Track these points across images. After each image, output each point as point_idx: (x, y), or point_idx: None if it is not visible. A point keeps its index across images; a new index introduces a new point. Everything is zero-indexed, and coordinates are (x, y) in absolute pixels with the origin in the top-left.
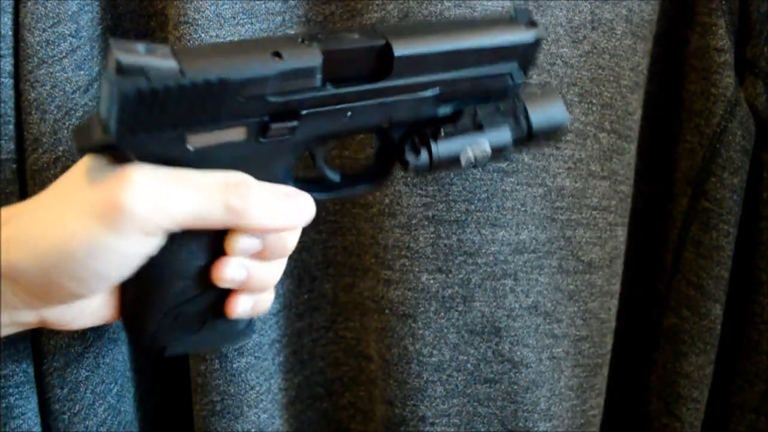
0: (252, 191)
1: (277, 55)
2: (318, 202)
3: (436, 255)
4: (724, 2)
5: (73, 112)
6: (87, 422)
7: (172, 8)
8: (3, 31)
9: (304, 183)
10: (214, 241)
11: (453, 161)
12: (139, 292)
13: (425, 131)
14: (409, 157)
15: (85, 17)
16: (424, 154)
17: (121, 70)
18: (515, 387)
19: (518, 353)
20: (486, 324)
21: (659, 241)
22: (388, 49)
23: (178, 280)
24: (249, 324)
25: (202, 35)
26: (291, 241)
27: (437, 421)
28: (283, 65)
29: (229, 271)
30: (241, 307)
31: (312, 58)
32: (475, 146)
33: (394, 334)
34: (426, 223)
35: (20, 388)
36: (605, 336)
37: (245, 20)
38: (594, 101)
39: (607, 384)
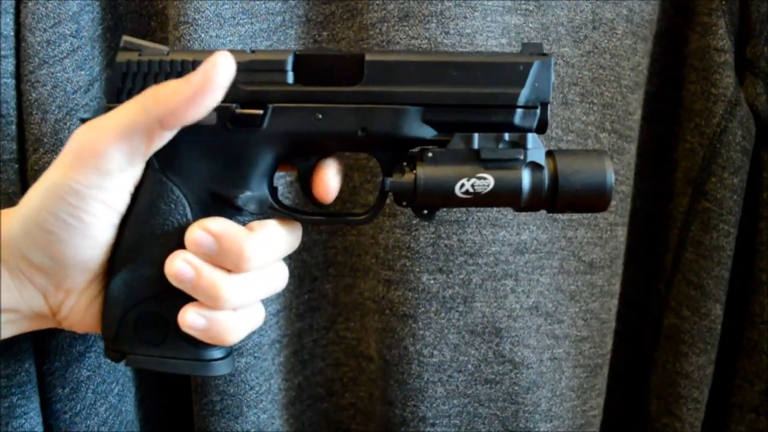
0: (160, 84)
1: (253, 51)
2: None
3: (437, 255)
4: (724, 2)
5: (74, 112)
6: (88, 422)
7: (172, 8)
8: (4, 32)
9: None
10: (174, 233)
11: (444, 189)
12: (107, 286)
13: (413, 154)
14: (393, 178)
15: (86, 17)
16: (408, 176)
17: (123, 47)
18: (516, 388)
19: (519, 354)
20: (487, 324)
21: (659, 241)
22: (360, 56)
23: (138, 271)
24: (226, 354)
25: (202, 35)
26: (249, 251)
27: (438, 421)
28: (254, 56)
29: (176, 263)
30: (189, 318)
31: (283, 55)
32: (471, 176)
33: (394, 334)
34: (425, 224)
35: (22, 388)
36: (606, 336)
37: (245, 20)
38: (595, 101)
39: (607, 384)
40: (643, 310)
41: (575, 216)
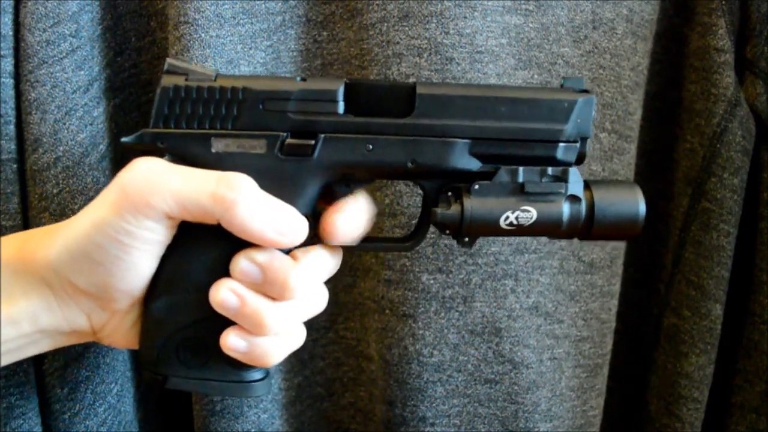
0: (244, 186)
1: (303, 79)
2: None
3: (437, 255)
4: (724, 2)
5: (73, 112)
6: (87, 422)
7: (172, 8)
8: (3, 31)
9: None
10: (220, 261)
11: (490, 221)
12: (147, 309)
13: (459, 185)
14: (440, 209)
15: (85, 17)
16: (455, 208)
17: (168, 70)
18: (516, 387)
19: (519, 354)
20: (486, 324)
21: (659, 241)
22: (412, 88)
23: (182, 296)
24: (265, 376)
25: (202, 35)
26: (294, 281)
27: (437, 421)
28: (305, 85)
29: (221, 292)
30: (231, 341)
31: (334, 84)
32: (516, 208)
33: (394, 334)
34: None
35: (21, 388)
36: (606, 336)
37: (245, 20)
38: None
39: (607, 384)
40: (643, 310)
41: None
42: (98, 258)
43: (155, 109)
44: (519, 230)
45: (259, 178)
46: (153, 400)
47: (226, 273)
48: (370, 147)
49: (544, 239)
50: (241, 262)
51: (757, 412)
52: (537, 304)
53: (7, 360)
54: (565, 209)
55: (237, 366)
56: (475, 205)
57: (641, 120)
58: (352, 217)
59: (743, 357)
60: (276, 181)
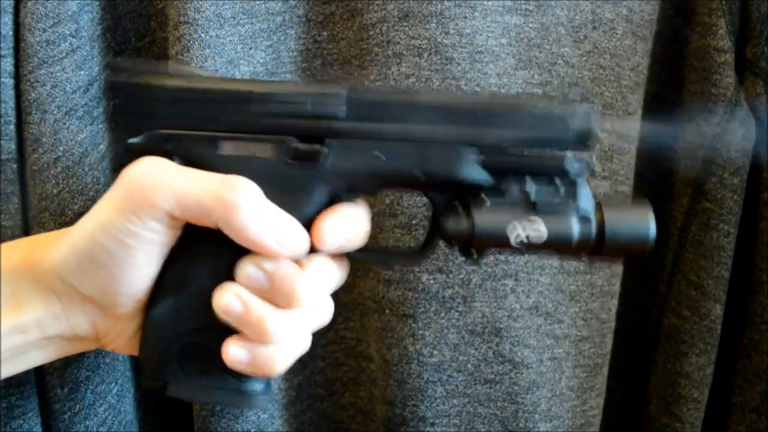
0: (247, 190)
1: (309, 84)
2: None
3: (437, 255)
4: (724, 2)
5: (73, 112)
6: (87, 422)
7: (172, 8)
8: (3, 31)
9: None
10: (224, 266)
11: (499, 236)
12: (149, 315)
13: (468, 198)
14: (449, 222)
15: (85, 17)
16: (464, 221)
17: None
18: (516, 387)
19: (519, 354)
20: (486, 324)
21: (659, 241)
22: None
23: (185, 302)
24: (265, 388)
25: (202, 35)
26: (301, 289)
27: (437, 421)
28: (309, 89)
29: (225, 297)
30: (233, 350)
31: (337, 88)
32: (526, 224)
33: (394, 334)
34: (426, 224)
35: (21, 388)
36: (605, 336)
37: (245, 20)
38: (595, 101)
39: (607, 384)
40: (643, 310)
41: None
42: (102, 261)
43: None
44: (529, 247)
45: (266, 183)
46: (153, 400)
47: (230, 279)
48: (381, 156)
49: None
50: (247, 267)
51: (757, 412)
52: (537, 304)
53: (14, 368)
54: (575, 224)
55: (238, 376)
56: (484, 218)
57: (641, 120)
58: (342, 224)
59: (743, 357)
60: (283, 187)
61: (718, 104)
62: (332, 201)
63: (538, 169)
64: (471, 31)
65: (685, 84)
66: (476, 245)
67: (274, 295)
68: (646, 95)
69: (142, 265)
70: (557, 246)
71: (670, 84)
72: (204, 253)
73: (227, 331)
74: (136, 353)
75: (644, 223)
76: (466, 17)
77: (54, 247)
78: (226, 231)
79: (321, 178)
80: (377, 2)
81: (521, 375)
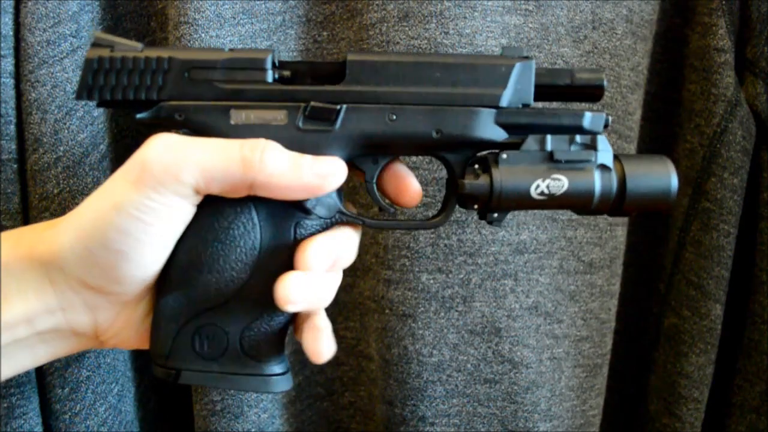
0: (269, 145)
1: (232, 49)
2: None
3: (436, 255)
4: (724, 2)
5: (73, 112)
6: (88, 422)
7: (172, 8)
8: (4, 32)
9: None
10: (239, 239)
11: (520, 191)
12: (159, 301)
13: (485, 156)
14: (467, 181)
15: (86, 17)
16: (483, 179)
17: (94, 43)
18: (515, 387)
19: (518, 353)
20: (486, 324)
21: (659, 241)
22: (344, 59)
23: (199, 281)
24: (286, 371)
25: (202, 35)
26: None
27: (437, 421)
28: (232, 54)
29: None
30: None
31: (262, 53)
32: (546, 177)
33: (394, 334)
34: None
35: (21, 388)
36: (605, 336)
37: (245, 20)
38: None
39: (607, 384)
40: (643, 310)
41: (575, 216)
42: (116, 243)
43: (80, 80)
44: (551, 200)
45: None
46: (153, 400)
47: (245, 252)
48: (394, 117)
49: (543, 239)
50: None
51: (757, 412)
52: (536, 303)
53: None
54: (597, 178)
55: (258, 357)
56: (504, 174)
57: (641, 120)
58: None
59: (743, 357)
60: (297, 151)
61: (718, 104)
62: (348, 165)
63: (557, 127)
64: (471, 31)
65: (685, 84)
66: (497, 203)
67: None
68: (646, 95)
69: (158, 246)
70: (579, 199)
71: (670, 84)
72: (217, 228)
73: (243, 309)
74: (139, 346)
75: (665, 173)
76: (466, 17)
77: (51, 237)
78: (262, 190)
79: (334, 143)
80: (377, 2)
81: (521, 375)
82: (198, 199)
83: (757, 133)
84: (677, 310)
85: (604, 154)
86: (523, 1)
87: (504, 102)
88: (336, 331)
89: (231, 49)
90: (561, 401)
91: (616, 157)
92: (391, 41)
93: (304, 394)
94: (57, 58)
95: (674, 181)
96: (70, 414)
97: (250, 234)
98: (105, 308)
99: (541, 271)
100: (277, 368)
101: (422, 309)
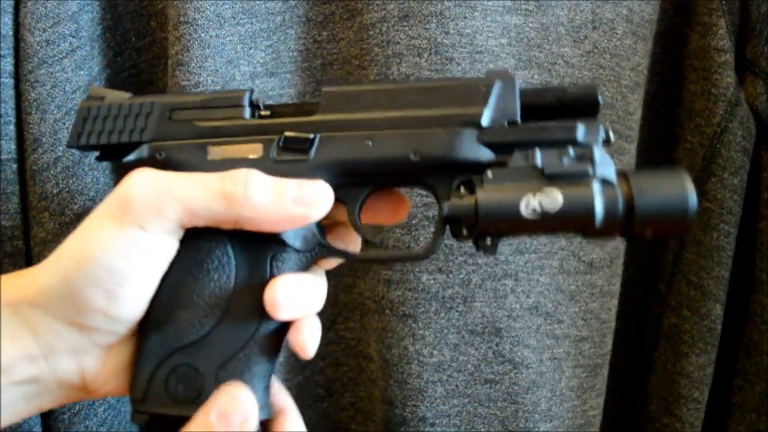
0: (251, 177)
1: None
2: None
3: (437, 255)
4: (724, 2)
5: (72, 112)
6: (87, 422)
7: (172, 8)
8: (3, 31)
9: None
10: (213, 268)
11: (507, 209)
12: (140, 337)
13: (472, 178)
14: (450, 203)
15: (85, 17)
16: (466, 200)
17: (88, 97)
18: (516, 387)
19: (519, 354)
20: (486, 324)
21: (659, 241)
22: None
23: (176, 317)
24: (265, 418)
25: (202, 35)
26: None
27: (437, 421)
28: (207, 96)
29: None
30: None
31: (237, 93)
32: (537, 192)
33: (394, 334)
34: (426, 223)
35: None
36: (605, 336)
37: (245, 20)
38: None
39: (607, 384)
40: (643, 310)
41: None
42: (102, 281)
43: (72, 128)
44: (546, 220)
45: None
46: None
47: (219, 286)
48: (369, 143)
49: (543, 239)
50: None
51: (757, 412)
52: (537, 304)
53: None
54: (597, 194)
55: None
56: (489, 193)
57: (641, 120)
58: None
59: (743, 357)
60: None
61: (718, 104)
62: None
63: (547, 141)
64: (471, 31)
65: (685, 84)
66: (485, 226)
67: None
68: (646, 95)
69: (144, 281)
70: (580, 217)
71: (670, 84)
72: (191, 263)
73: (217, 349)
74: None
75: (679, 187)
76: (466, 17)
77: (27, 281)
78: (248, 225)
79: (310, 171)
80: (377, 2)
81: (521, 375)
82: (181, 233)
83: (757, 133)
84: (677, 310)
85: (604, 167)
86: (523, 1)
87: (485, 121)
88: (336, 332)
89: (212, 92)
90: (561, 401)
91: (622, 173)
92: (391, 41)
93: (304, 394)
94: (56, 58)
95: (691, 195)
96: (69, 414)
97: (225, 268)
98: (90, 352)
99: (542, 271)
100: (259, 414)
101: (422, 309)
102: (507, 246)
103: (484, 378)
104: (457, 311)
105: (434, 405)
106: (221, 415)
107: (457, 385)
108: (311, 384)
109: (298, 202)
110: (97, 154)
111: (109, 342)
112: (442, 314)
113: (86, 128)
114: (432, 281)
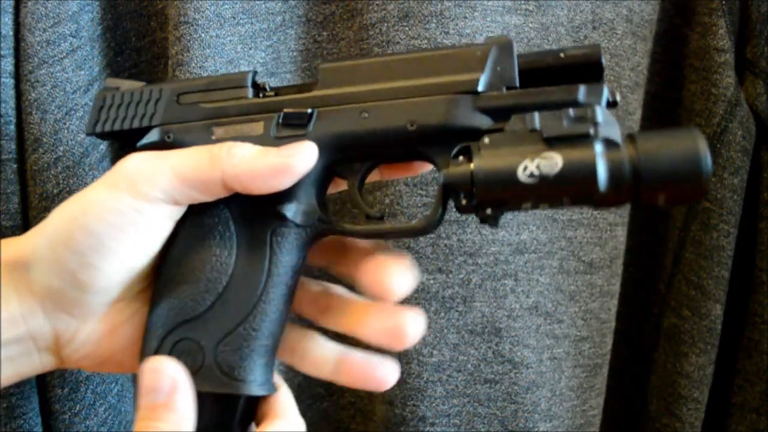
0: (238, 143)
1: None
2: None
3: (437, 255)
4: (724, 2)
5: (73, 112)
6: (88, 422)
7: (172, 8)
8: (3, 31)
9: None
10: (217, 246)
11: (504, 174)
12: (149, 311)
13: (469, 145)
14: (447, 171)
15: (86, 17)
16: (462, 166)
17: (105, 88)
18: (515, 387)
19: (519, 354)
20: (486, 324)
21: (659, 241)
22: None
23: (180, 290)
24: (267, 393)
25: (202, 35)
26: None
27: (437, 421)
28: (211, 78)
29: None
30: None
31: (240, 74)
32: (535, 156)
33: None
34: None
35: (21, 389)
36: (605, 336)
37: (245, 20)
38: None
39: (607, 384)
40: (643, 310)
41: (575, 216)
42: (80, 245)
43: (90, 116)
44: (546, 186)
45: None
46: None
47: (220, 261)
48: (366, 114)
49: (543, 239)
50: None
51: (757, 412)
52: (537, 304)
53: None
54: (599, 157)
55: (233, 376)
56: (486, 157)
57: (641, 120)
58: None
59: (743, 357)
60: None
61: (718, 104)
62: (327, 171)
63: (547, 104)
64: (471, 31)
65: (685, 84)
66: (483, 193)
67: None
68: (646, 95)
69: (124, 255)
70: (582, 182)
71: (670, 84)
72: (194, 238)
73: (218, 323)
74: (100, 370)
75: (691, 146)
76: (466, 17)
77: (21, 241)
78: (234, 183)
79: None
80: (377, 2)
81: (521, 375)
82: (174, 211)
83: (757, 133)
84: (677, 310)
85: (608, 127)
86: (523, 1)
87: (482, 86)
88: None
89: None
90: (561, 401)
91: (630, 136)
92: (391, 41)
93: (305, 394)
94: (57, 58)
95: (705, 155)
96: (69, 414)
97: (226, 243)
98: (64, 320)
99: (542, 271)
100: (257, 389)
101: (422, 309)
102: (507, 246)
103: (483, 378)
104: (456, 311)
105: (434, 405)
106: (148, 391)
107: (456, 385)
108: (311, 383)
109: (285, 155)
110: (105, 143)
111: (83, 311)
112: (442, 314)
113: (102, 116)
114: (432, 281)
